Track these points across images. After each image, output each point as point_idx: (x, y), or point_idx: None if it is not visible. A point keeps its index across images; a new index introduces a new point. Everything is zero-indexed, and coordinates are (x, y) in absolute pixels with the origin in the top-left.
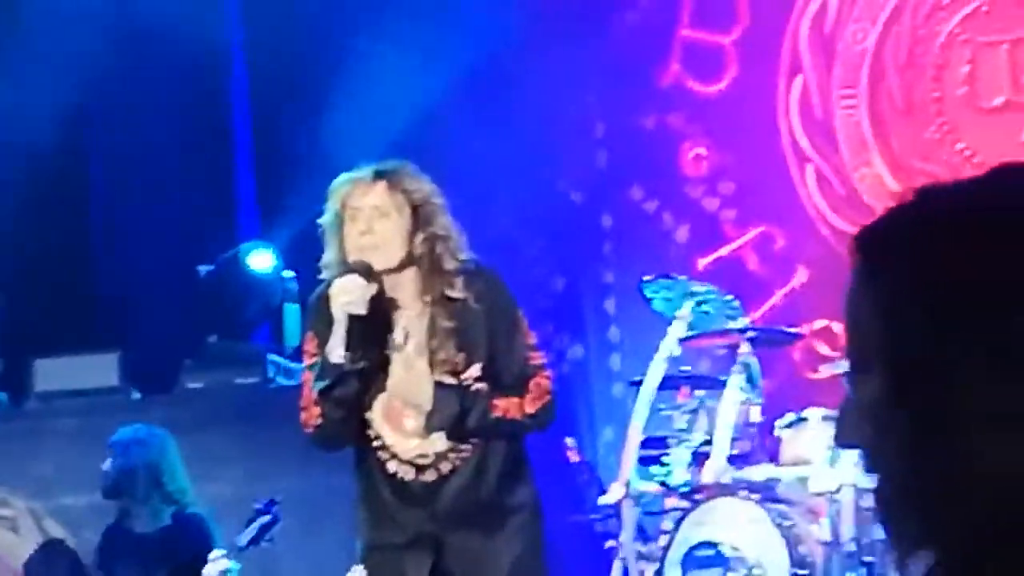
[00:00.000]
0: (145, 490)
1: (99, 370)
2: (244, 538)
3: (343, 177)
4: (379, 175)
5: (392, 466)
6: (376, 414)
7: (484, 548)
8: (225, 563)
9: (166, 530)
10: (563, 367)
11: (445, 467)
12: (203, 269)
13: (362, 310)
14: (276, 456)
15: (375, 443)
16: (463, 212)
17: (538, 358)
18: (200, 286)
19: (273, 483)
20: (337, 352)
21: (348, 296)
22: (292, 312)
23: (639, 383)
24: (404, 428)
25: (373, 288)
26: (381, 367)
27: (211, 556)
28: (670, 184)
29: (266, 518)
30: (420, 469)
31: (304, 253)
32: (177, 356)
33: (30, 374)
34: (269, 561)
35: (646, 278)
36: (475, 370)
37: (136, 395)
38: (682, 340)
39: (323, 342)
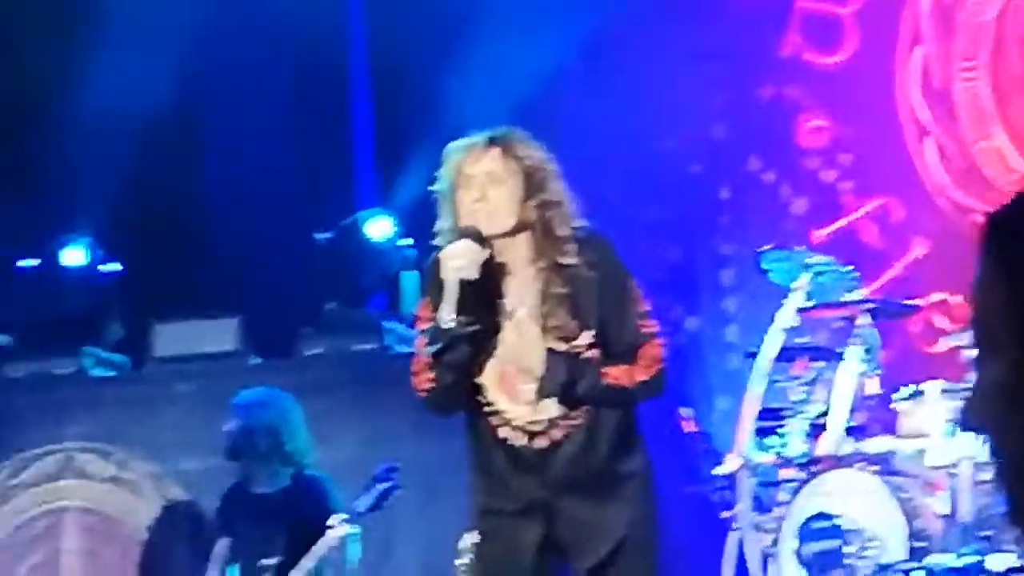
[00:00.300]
0: (266, 451)
1: (218, 335)
2: (364, 503)
3: (456, 144)
4: (493, 141)
5: (504, 432)
6: (489, 380)
7: (595, 516)
8: (345, 528)
9: (286, 491)
10: (679, 338)
11: (557, 434)
12: (321, 236)
13: (474, 274)
14: (393, 422)
15: (487, 409)
16: (580, 181)
17: (651, 326)
18: (318, 253)
19: (390, 449)
20: (448, 316)
21: (459, 260)
22: (409, 279)
23: (755, 354)
24: (517, 394)
25: (485, 253)
26: (493, 332)
27: (331, 521)
28: (788, 156)
29: (386, 484)
30: (532, 435)
31: (423, 221)
32: (295, 322)
33: (150, 339)
34: (387, 526)
35: (763, 249)
36: (586, 337)
37: (255, 360)
38: (800, 311)
39: (436, 307)
